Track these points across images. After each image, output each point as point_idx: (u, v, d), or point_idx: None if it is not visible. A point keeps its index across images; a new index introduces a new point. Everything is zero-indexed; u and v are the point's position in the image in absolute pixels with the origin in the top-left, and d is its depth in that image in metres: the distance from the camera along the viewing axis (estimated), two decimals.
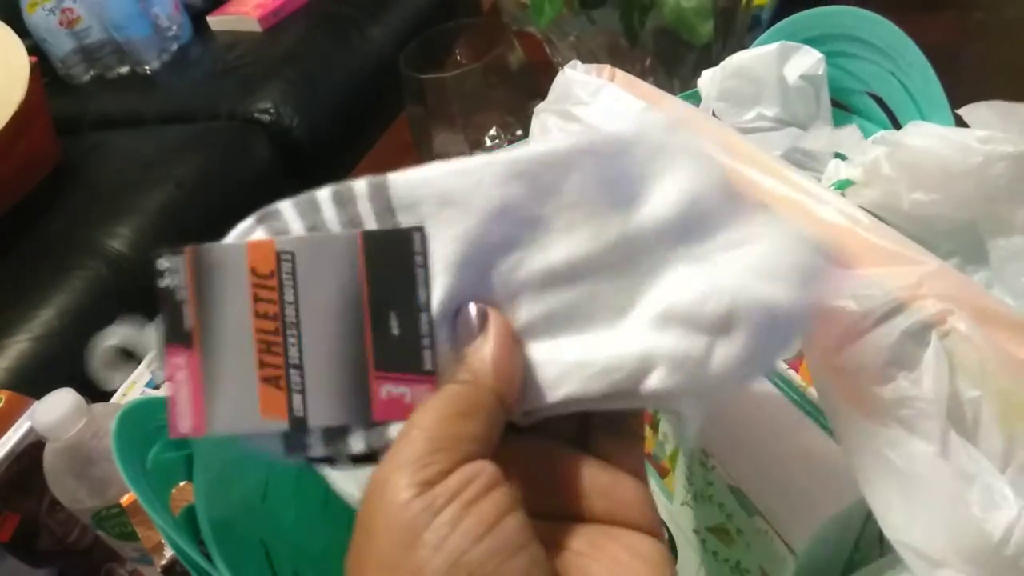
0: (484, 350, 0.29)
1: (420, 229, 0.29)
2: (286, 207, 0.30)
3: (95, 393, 0.62)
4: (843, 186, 0.47)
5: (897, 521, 0.32)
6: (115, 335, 0.31)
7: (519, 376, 0.30)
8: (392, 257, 0.29)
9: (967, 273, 0.43)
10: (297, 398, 0.29)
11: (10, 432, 0.62)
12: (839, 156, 0.50)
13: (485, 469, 0.26)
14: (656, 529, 0.31)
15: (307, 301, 0.29)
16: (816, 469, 0.40)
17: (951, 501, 0.31)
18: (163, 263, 0.30)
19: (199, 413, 0.29)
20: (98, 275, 1.20)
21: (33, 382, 1.05)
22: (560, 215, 0.30)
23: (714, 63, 0.56)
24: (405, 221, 0.29)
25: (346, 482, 0.46)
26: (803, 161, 0.51)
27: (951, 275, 0.33)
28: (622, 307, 0.30)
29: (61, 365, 1.10)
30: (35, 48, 1.61)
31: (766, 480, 0.41)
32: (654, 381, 0.29)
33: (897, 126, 0.53)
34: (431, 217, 0.29)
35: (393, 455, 0.26)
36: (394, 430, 0.29)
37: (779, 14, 0.74)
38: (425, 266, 0.29)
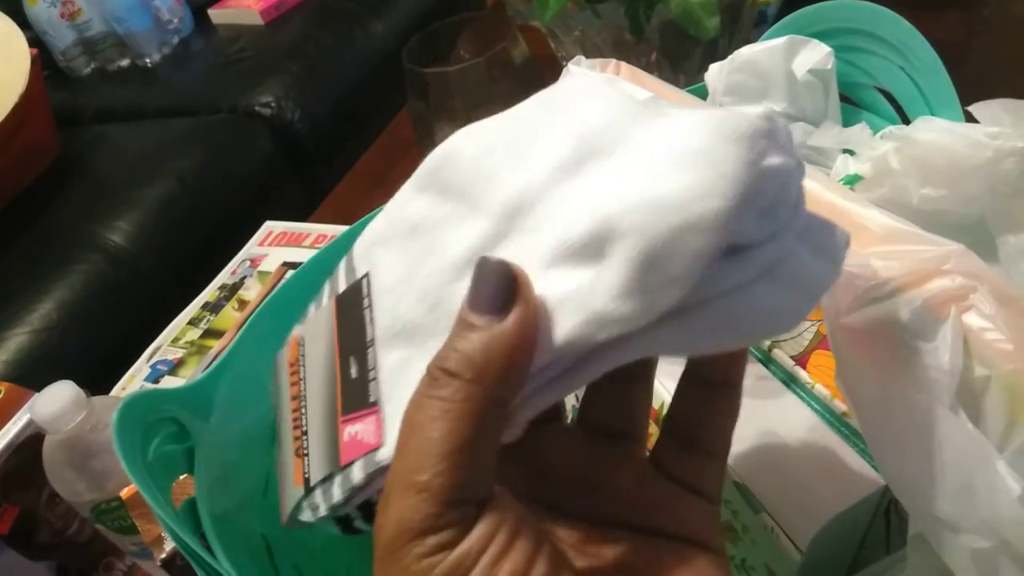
0: (500, 340, 0.23)
1: (365, 275, 0.31)
2: (311, 309, 0.34)
3: (94, 386, 0.62)
4: (852, 181, 0.46)
5: (912, 485, 0.31)
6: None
7: (525, 377, 0.24)
8: (351, 309, 0.31)
9: None
10: (306, 461, 0.30)
11: (9, 424, 0.62)
12: (847, 152, 0.50)
13: (505, 518, 0.24)
14: (715, 547, 0.28)
15: (310, 374, 0.32)
16: (822, 466, 0.40)
17: (975, 466, 0.31)
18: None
19: (283, 499, 0.32)
20: (98, 269, 1.20)
21: (33, 375, 1.05)
22: (459, 204, 0.29)
23: (720, 58, 0.56)
24: (361, 272, 0.31)
25: None
26: (811, 156, 0.50)
27: (976, 258, 0.32)
28: (531, 268, 0.26)
29: (61, 358, 1.10)
30: (36, 40, 1.61)
31: (772, 477, 0.41)
32: (561, 333, 0.24)
33: (906, 121, 0.52)
34: (375, 259, 0.31)
35: (398, 516, 0.23)
36: (356, 469, 0.28)
37: (784, 9, 0.74)
38: (370, 306, 0.30)
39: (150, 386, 0.79)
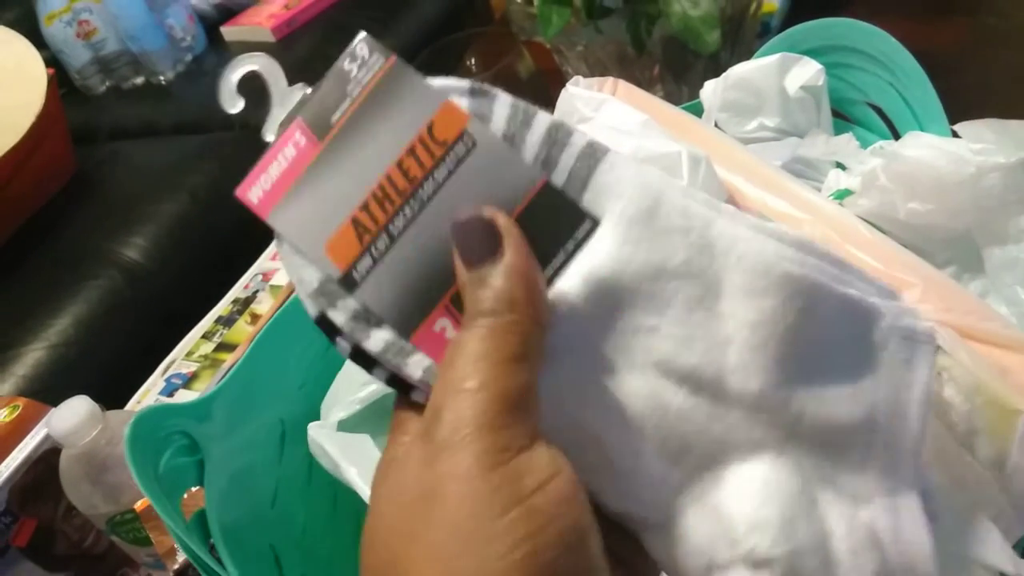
0: (507, 271, 0.25)
1: (596, 223, 0.27)
2: (503, 101, 0.28)
3: (110, 399, 0.63)
4: (842, 195, 0.47)
5: None
6: (254, 62, 0.30)
7: (544, 293, 0.26)
8: (551, 221, 0.27)
9: (963, 282, 0.44)
10: (366, 261, 0.27)
11: (27, 439, 0.63)
12: (839, 166, 0.51)
13: (566, 465, 0.24)
14: None
15: (449, 194, 0.27)
16: None
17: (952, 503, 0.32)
18: (361, 50, 0.28)
19: (272, 196, 0.28)
20: (113, 284, 1.21)
21: (49, 390, 1.06)
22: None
23: (722, 70, 0.57)
24: (588, 201, 0.27)
25: (360, 479, 0.46)
26: (803, 171, 0.51)
27: (938, 291, 0.34)
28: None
29: (77, 373, 1.11)
30: (52, 60, 1.63)
31: None
32: None
33: (896, 136, 0.53)
34: (616, 220, 0.27)
35: (454, 416, 0.24)
36: (414, 362, 0.27)
37: (789, 21, 0.75)
38: (571, 254, 0.27)
39: (165, 399, 0.80)
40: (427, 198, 0.27)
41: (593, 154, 0.27)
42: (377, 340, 0.27)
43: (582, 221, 0.27)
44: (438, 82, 0.28)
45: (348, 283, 0.27)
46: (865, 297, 0.27)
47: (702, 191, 0.29)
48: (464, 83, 0.28)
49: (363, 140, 0.27)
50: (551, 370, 0.26)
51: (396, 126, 0.27)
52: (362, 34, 0.28)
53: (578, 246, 0.27)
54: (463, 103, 0.27)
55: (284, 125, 0.28)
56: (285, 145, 0.28)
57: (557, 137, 0.27)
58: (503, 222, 0.26)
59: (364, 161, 0.27)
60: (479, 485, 0.23)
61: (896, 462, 0.27)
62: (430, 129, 0.27)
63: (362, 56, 0.28)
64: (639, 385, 0.26)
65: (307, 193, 0.27)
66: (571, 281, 0.27)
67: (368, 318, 0.27)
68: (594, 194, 0.27)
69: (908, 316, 0.27)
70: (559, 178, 0.27)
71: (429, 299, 0.27)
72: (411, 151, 0.27)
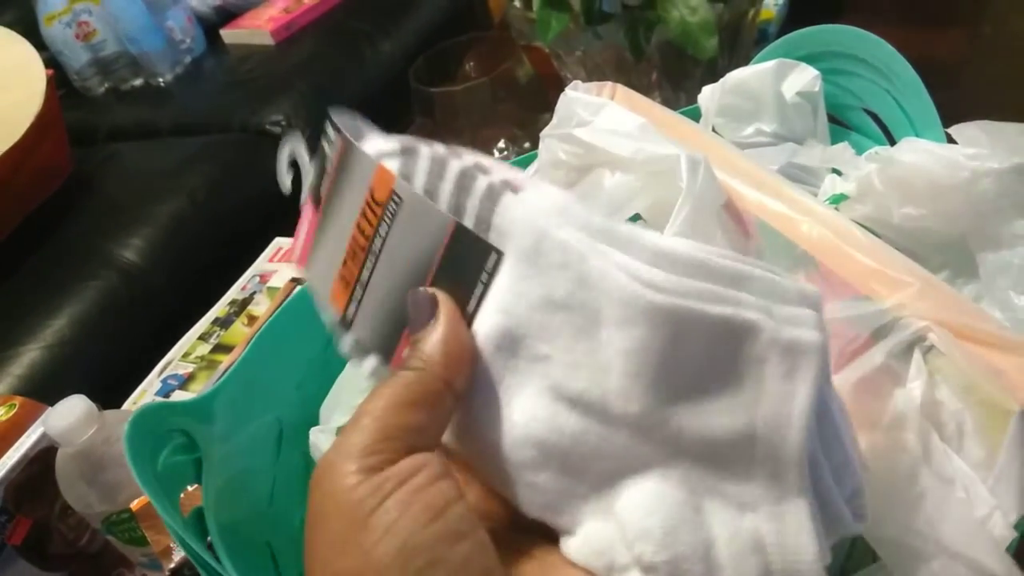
0: (434, 336, 0.29)
1: (500, 255, 0.30)
2: (424, 155, 0.32)
3: (106, 400, 0.64)
4: (838, 200, 0.48)
5: (878, 517, 0.32)
6: (292, 146, 0.38)
7: (469, 364, 0.30)
8: (466, 258, 0.30)
9: (957, 286, 0.44)
10: (353, 306, 0.33)
11: (24, 438, 0.63)
12: (835, 171, 0.51)
13: (432, 460, 0.27)
14: None
15: (392, 245, 0.32)
16: None
17: (939, 502, 0.32)
18: (329, 131, 0.34)
19: (305, 255, 0.35)
20: (110, 285, 1.21)
21: (46, 389, 1.06)
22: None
23: (720, 77, 0.57)
24: (494, 239, 0.30)
25: None
26: (800, 176, 0.52)
27: (932, 293, 0.34)
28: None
29: (74, 372, 1.11)
30: (52, 60, 1.63)
31: None
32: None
33: (893, 143, 0.54)
34: (511, 257, 0.30)
35: (342, 441, 0.27)
36: None
37: (787, 28, 0.75)
38: (487, 285, 0.30)
39: (161, 401, 0.80)
40: (378, 251, 0.32)
41: (491, 197, 0.31)
42: (368, 364, 0.33)
43: (489, 254, 0.30)
44: (374, 148, 0.33)
45: (345, 324, 0.34)
46: (740, 313, 0.27)
47: (600, 215, 0.30)
48: (395, 144, 0.33)
49: (338, 208, 0.34)
50: (469, 398, 0.30)
51: (353, 193, 0.33)
52: (329, 120, 0.34)
53: (491, 276, 0.30)
54: (395, 164, 0.32)
55: (304, 197, 0.36)
56: (306, 215, 0.36)
57: (464, 184, 0.31)
58: (441, 298, 0.30)
59: (340, 225, 0.33)
60: (350, 497, 0.26)
61: (781, 471, 0.28)
62: (372, 193, 0.32)
63: (330, 136, 0.34)
64: (539, 410, 0.29)
65: (316, 255, 0.35)
66: (481, 317, 0.30)
67: (362, 348, 0.34)
68: (496, 234, 0.30)
69: (795, 327, 0.28)
70: (469, 221, 0.31)
71: (397, 334, 0.32)
72: (363, 213, 0.32)
